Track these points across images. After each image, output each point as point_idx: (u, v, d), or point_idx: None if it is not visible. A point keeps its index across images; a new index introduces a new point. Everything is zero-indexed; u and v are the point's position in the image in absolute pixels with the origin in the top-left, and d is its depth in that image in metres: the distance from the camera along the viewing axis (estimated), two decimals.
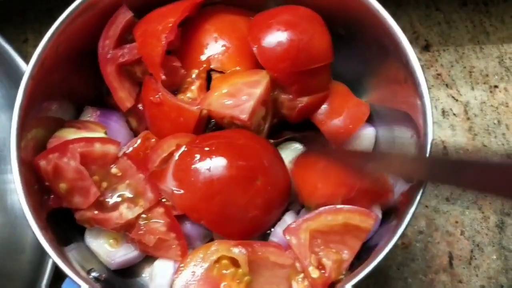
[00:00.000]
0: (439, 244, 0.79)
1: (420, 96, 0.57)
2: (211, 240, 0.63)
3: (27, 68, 0.57)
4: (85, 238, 0.62)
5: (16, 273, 0.72)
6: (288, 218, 0.62)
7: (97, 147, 0.58)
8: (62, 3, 0.82)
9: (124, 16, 0.64)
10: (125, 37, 0.65)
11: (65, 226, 0.61)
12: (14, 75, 0.79)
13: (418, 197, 0.55)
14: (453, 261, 0.78)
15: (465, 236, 0.79)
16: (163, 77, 0.61)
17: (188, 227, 0.62)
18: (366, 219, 0.57)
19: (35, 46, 0.85)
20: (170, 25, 0.61)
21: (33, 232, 0.54)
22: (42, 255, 0.72)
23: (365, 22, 0.62)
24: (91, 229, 0.61)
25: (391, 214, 0.61)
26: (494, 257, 0.79)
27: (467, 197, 0.81)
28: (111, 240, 0.61)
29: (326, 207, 0.58)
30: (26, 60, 0.82)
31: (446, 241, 0.79)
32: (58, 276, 0.71)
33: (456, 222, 0.80)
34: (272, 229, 0.63)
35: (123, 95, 0.65)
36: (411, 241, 0.79)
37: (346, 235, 0.57)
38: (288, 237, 0.57)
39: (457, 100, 0.85)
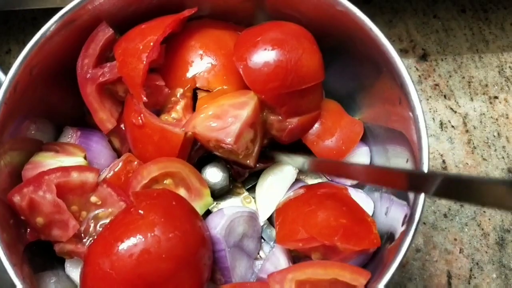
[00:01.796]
0: (437, 262, 0.76)
1: (415, 121, 0.54)
2: None
3: None
4: (65, 267, 0.60)
5: None
6: (278, 252, 0.58)
7: (74, 176, 0.55)
8: (46, 12, 0.80)
9: (104, 33, 0.60)
10: (105, 55, 0.62)
11: (44, 256, 0.59)
12: None
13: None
14: (451, 280, 0.76)
15: (464, 254, 0.77)
16: (145, 99, 0.58)
17: None
18: (357, 278, 0.53)
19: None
20: (152, 43, 0.58)
21: None
22: None
23: (357, 39, 0.59)
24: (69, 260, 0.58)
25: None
26: (494, 275, 0.76)
27: (466, 213, 0.78)
28: None
29: (317, 260, 0.55)
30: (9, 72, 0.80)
31: (444, 259, 0.76)
32: None
33: (455, 239, 0.77)
34: (261, 263, 0.60)
35: (104, 117, 0.62)
36: (408, 260, 0.76)
37: (336, 286, 0.54)
38: (272, 285, 0.54)
39: (455, 112, 0.82)
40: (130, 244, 0.49)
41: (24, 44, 0.84)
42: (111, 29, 0.61)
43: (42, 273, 0.57)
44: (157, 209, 0.52)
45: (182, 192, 0.59)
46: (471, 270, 0.76)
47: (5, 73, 0.75)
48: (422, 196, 0.52)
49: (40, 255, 0.58)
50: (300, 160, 0.60)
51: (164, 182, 0.59)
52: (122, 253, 0.49)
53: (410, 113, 0.55)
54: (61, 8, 0.72)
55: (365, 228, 0.57)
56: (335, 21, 0.60)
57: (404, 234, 0.52)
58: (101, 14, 0.60)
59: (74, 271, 0.59)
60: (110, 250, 0.49)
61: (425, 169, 0.52)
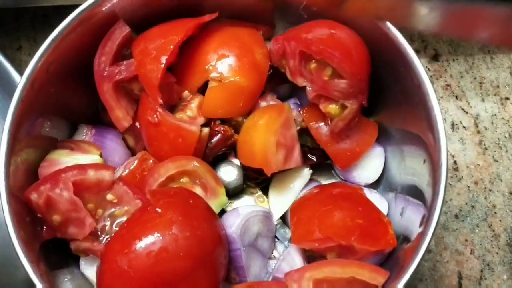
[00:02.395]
0: (448, 263, 0.76)
1: (433, 122, 0.54)
2: None
3: (16, 90, 0.54)
4: (80, 265, 0.60)
5: None
6: (293, 252, 0.58)
7: (91, 174, 0.55)
8: (57, 9, 0.80)
9: (121, 31, 0.60)
10: (122, 53, 0.62)
11: (59, 253, 0.59)
12: (7, 85, 0.77)
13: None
14: (462, 281, 0.76)
15: (475, 255, 0.77)
16: (160, 101, 0.58)
17: None
18: (376, 276, 0.53)
19: (30, 54, 0.84)
20: (172, 46, 0.58)
21: None
22: None
23: (374, 40, 0.59)
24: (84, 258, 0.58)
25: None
26: (505, 277, 0.76)
27: (477, 214, 0.78)
28: None
29: (335, 259, 0.55)
30: (20, 68, 0.80)
31: (455, 260, 0.76)
32: None
33: (466, 240, 0.77)
34: (276, 264, 0.60)
35: (121, 114, 0.62)
36: (419, 260, 0.76)
37: (354, 285, 0.54)
38: (289, 284, 0.54)
39: (467, 113, 0.82)
40: (147, 242, 0.49)
41: (35, 41, 0.85)
42: (128, 27, 0.61)
43: (57, 271, 0.57)
44: (174, 207, 0.52)
45: (198, 190, 0.59)
46: (482, 271, 0.76)
47: (17, 69, 0.76)
48: (440, 197, 0.52)
49: (55, 253, 0.58)
50: None
51: (181, 180, 0.59)
52: (140, 251, 0.49)
53: (428, 115, 0.55)
54: (72, 5, 0.72)
55: (381, 228, 0.57)
56: (351, 22, 0.60)
57: (422, 235, 0.52)
58: (117, 11, 0.60)
59: (88, 269, 0.59)
60: (128, 248, 0.49)
61: (443, 171, 0.52)
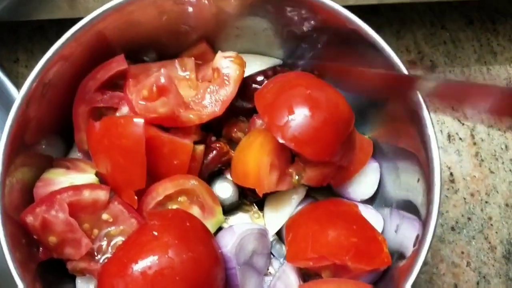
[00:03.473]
0: (445, 275, 0.77)
1: (427, 140, 0.54)
2: None
3: (10, 111, 0.54)
4: (76, 284, 0.60)
5: None
6: (288, 270, 0.59)
7: (86, 195, 0.55)
8: (54, 21, 0.80)
9: (118, 65, 0.61)
10: (112, 81, 0.63)
11: (55, 273, 0.59)
12: (3, 97, 0.77)
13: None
14: None
15: (471, 268, 0.77)
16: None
17: None
18: None
19: (27, 66, 0.84)
20: None
21: None
22: None
23: (368, 55, 0.59)
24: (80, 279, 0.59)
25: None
26: None
27: (473, 226, 0.78)
28: None
29: (330, 278, 0.55)
30: (17, 80, 0.80)
31: (451, 273, 0.77)
32: None
33: (462, 252, 0.77)
34: (272, 282, 0.60)
35: (84, 138, 0.62)
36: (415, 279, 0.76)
37: None
38: None
39: (463, 124, 0.82)
40: (144, 265, 0.50)
41: (33, 53, 0.85)
42: (126, 64, 0.61)
43: None
44: (171, 230, 0.52)
45: (195, 210, 0.59)
46: (478, 284, 0.76)
47: (14, 81, 0.77)
48: (434, 214, 0.52)
49: (52, 272, 0.58)
50: None
51: (179, 199, 0.59)
52: (136, 274, 0.49)
53: (422, 132, 0.55)
54: (69, 19, 0.73)
55: (376, 246, 0.57)
56: (346, 38, 0.60)
57: (416, 253, 0.52)
58: (109, 34, 0.60)
59: None
60: (124, 271, 0.50)
61: (437, 191, 0.52)
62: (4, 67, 0.81)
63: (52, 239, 0.54)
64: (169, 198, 0.59)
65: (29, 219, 0.53)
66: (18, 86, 0.76)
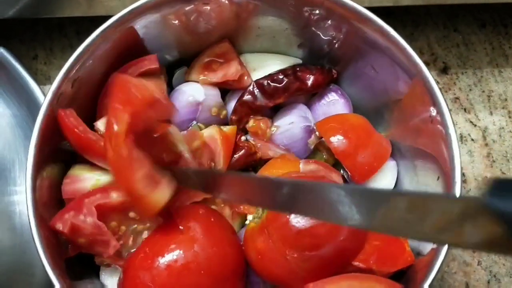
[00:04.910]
0: (456, 274, 0.78)
1: (447, 139, 0.55)
2: None
3: (42, 106, 0.55)
4: (100, 275, 0.61)
5: None
6: None
7: (114, 197, 0.56)
8: (73, 20, 0.81)
9: (150, 63, 0.63)
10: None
11: (81, 264, 0.60)
12: (24, 93, 0.78)
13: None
14: None
15: (482, 267, 0.78)
16: None
17: None
18: None
19: (46, 63, 0.86)
20: None
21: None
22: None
23: (387, 54, 0.61)
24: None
25: None
26: None
27: None
28: None
29: (353, 273, 0.56)
30: (36, 77, 0.81)
31: (463, 271, 0.78)
32: None
33: (473, 251, 0.78)
34: None
35: None
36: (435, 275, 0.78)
37: None
38: None
39: (475, 125, 0.84)
40: (170, 259, 0.51)
41: (51, 51, 0.87)
42: (158, 63, 0.63)
43: (78, 281, 0.59)
44: (196, 225, 0.53)
45: (227, 210, 0.60)
46: (488, 282, 0.78)
47: (33, 78, 0.78)
48: None
49: (77, 264, 0.59)
50: None
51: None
52: (162, 267, 0.50)
53: (442, 130, 0.56)
54: (87, 17, 0.74)
55: (398, 246, 0.57)
56: (365, 38, 0.61)
57: (436, 251, 0.53)
58: (139, 31, 0.62)
59: (109, 279, 0.60)
60: (151, 264, 0.51)
61: (458, 187, 0.53)
62: (23, 64, 0.82)
63: (81, 240, 0.55)
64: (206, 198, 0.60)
65: (58, 225, 0.54)
66: (38, 82, 0.77)
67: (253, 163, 0.64)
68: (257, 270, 0.55)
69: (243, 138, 0.64)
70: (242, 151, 0.63)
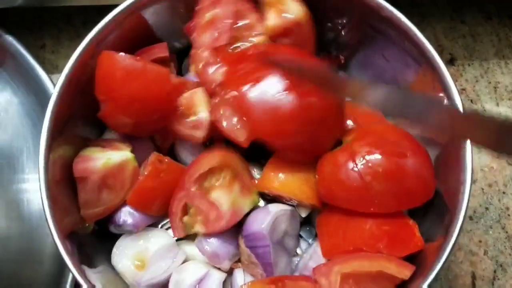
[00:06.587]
0: (462, 263, 0.78)
1: None
2: (239, 260, 0.62)
3: (54, 89, 0.56)
4: (111, 258, 0.61)
5: (34, 284, 0.72)
6: (319, 251, 0.60)
7: None
8: (80, 9, 0.81)
9: (160, 51, 0.64)
10: None
11: (92, 249, 0.60)
12: (32, 81, 0.78)
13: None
14: (476, 281, 0.77)
15: (488, 256, 0.78)
16: None
17: (216, 245, 0.61)
18: (403, 270, 0.55)
19: (53, 52, 0.86)
20: None
21: (52, 247, 0.54)
22: (60, 268, 0.72)
23: (396, 41, 0.61)
24: (117, 250, 0.61)
25: None
26: None
27: (491, 216, 0.80)
28: (137, 262, 0.60)
29: (363, 253, 0.56)
30: (44, 66, 0.81)
31: (469, 261, 0.78)
32: None
33: (480, 241, 0.79)
34: (300, 261, 0.62)
35: None
36: (445, 260, 0.78)
37: (380, 280, 0.55)
38: (318, 278, 0.55)
39: None
40: None
41: (59, 39, 0.87)
42: (168, 52, 0.64)
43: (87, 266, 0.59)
44: None
45: (236, 185, 0.61)
46: (495, 272, 0.78)
47: (42, 67, 0.78)
48: (466, 196, 0.53)
49: (86, 248, 0.60)
50: None
51: (222, 174, 0.61)
52: None
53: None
54: (95, 6, 0.74)
55: (408, 232, 0.58)
56: (373, 25, 0.61)
57: (446, 236, 0.54)
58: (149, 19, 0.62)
59: (120, 263, 0.61)
60: None
61: (468, 177, 0.54)
62: (31, 52, 0.82)
63: None
64: (211, 171, 0.60)
65: None
66: (45, 71, 0.78)
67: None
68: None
69: None
70: None
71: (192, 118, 0.61)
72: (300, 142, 0.58)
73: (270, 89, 0.56)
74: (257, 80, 0.56)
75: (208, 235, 0.61)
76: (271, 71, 0.56)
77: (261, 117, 0.56)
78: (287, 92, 0.56)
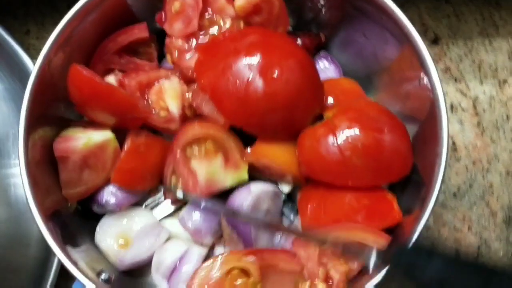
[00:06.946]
0: (447, 240, 0.79)
1: (435, 100, 0.56)
2: (221, 236, 0.63)
3: (33, 68, 0.56)
4: (95, 237, 0.62)
5: (22, 268, 0.72)
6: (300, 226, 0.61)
7: None
8: None
9: (140, 32, 0.64)
10: (132, 48, 0.65)
11: (75, 229, 0.61)
12: (16, 67, 0.78)
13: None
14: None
15: (472, 232, 0.79)
16: None
17: (198, 221, 0.62)
18: (380, 240, 0.56)
19: (38, 38, 0.86)
20: None
21: (39, 231, 0.54)
22: (47, 251, 0.72)
23: (377, 19, 0.61)
24: (100, 229, 0.61)
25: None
26: (501, 253, 0.78)
27: (474, 192, 0.80)
28: (121, 241, 0.61)
29: (341, 223, 0.57)
30: (29, 52, 0.81)
31: (453, 237, 0.79)
32: (65, 274, 0.71)
33: (464, 217, 0.80)
34: (284, 238, 0.62)
35: None
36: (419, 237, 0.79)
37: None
38: (296, 250, 0.56)
39: (465, 95, 0.84)
40: None
41: (43, 25, 0.87)
42: (147, 32, 0.64)
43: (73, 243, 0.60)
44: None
45: (219, 158, 0.61)
46: (479, 248, 0.79)
47: (27, 53, 0.78)
48: (442, 169, 0.54)
49: (70, 231, 0.60)
50: None
51: (205, 144, 0.62)
52: None
53: (430, 94, 0.57)
54: None
55: (386, 205, 0.59)
56: (354, 3, 0.62)
57: (423, 207, 0.55)
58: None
59: (103, 242, 0.61)
60: None
61: (444, 150, 0.54)
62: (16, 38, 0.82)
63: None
64: (197, 140, 0.61)
65: None
66: (30, 57, 0.78)
67: None
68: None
69: None
70: None
71: (163, 114, 0.63)
72: (271, 126, 0.59)
73: (238, 78, 0.57)
74: (224, 70, 0.57)
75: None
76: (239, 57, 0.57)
77: (230, 107, 0.58)
78: (254, 80, 0.56)
